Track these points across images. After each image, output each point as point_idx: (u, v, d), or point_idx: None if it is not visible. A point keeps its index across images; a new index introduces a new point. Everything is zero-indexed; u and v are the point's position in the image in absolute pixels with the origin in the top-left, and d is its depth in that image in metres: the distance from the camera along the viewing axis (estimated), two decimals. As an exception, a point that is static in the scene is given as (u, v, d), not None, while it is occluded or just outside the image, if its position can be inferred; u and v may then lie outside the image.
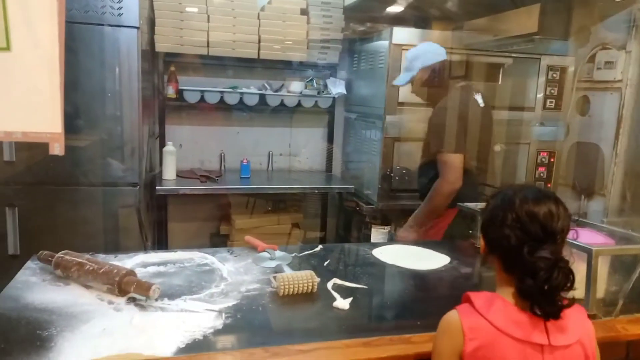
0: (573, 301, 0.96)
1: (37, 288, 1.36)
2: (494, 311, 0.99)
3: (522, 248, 0.95)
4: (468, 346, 0.97)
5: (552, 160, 3.25)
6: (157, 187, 2.93)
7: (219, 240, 3.41)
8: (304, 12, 3.24)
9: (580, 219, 1.76)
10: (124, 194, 2.69)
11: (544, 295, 0.93)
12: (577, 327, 1.02)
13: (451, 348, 1.00)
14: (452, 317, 1.03)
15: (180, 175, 3.20)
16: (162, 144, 3.22)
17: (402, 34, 2.88)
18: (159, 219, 3.20)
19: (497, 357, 0.97)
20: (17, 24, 0.87)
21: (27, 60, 0.88)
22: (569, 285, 0.94)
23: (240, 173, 3.35)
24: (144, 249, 2.68)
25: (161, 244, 3.27)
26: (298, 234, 3.47)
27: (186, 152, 3.43)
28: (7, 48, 0.87)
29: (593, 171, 3.14)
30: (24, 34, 0.87)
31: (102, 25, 2.49)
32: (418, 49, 2.47)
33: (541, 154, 3.23)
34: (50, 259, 1.44)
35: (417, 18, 3.17)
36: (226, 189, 3.21)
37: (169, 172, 3.12)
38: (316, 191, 3.40)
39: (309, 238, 3.51)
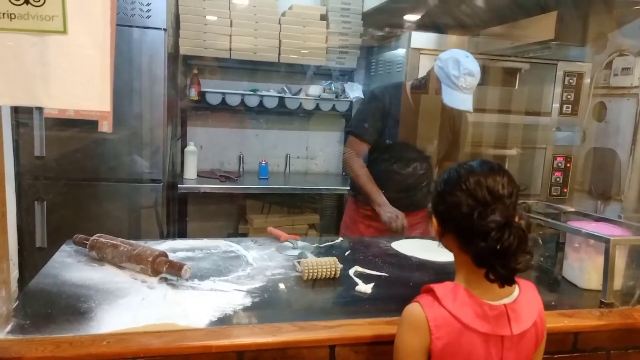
0: (527, 265, 0.92)
1: (73, 268, 1.43)
2: (459, 304, 0.97)
3: (473, 215, 0.93)
4: (436, 345, 0.96)
5: (568, 165, 3.27)
6: (179, 186, 3.01)
7: (236, 240, 3.47)
8: (324, 17, 3.33)
9: (594, 215, 1.79)
10: (148, 190, 2.77)
11: (497, 257, 0.90)
12: (531, 310, 1.02)
13: (419, 345, 0.98)
14: (417, 311, 0.99)
15: (201, 175, 3.28)
16: (184, 145, 3.31)
17: (420, 39, 2.94)
18: (179, 217, 3.27)
19: (463, 353, 0.97)
20: (73, 9, 0.95)
21: (81, 43, 0.95)
22: (523, 247, 0.91)
23: (258, 174, 3.42)
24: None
25: (173, 238, 3.35)
26: (314, 235, 3.53)
27: (206, 153, 3.52)
28: (64, 31, 0.94)
29: (609, 176, 3.16)
30: (80, 18, 0.95)
31: (131, 26, 2.59)
32: (476, 62, 2.08)
33: (557, 158, 3.26)
34: (85, 241, 1.51)
35: (435, 24, 3.22)
36: (245, 189, 3.29)
37: (190, 172, 3.20)
38: (333, 192, 3.46)
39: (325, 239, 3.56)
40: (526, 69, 3.10)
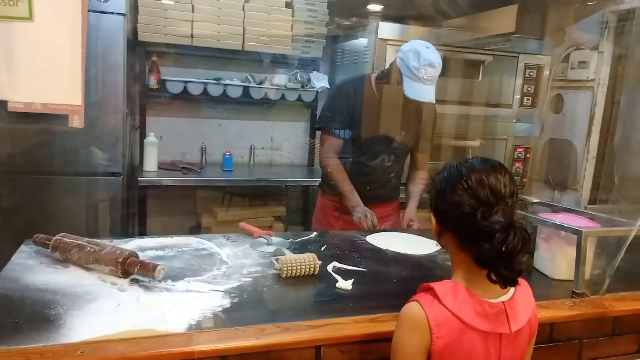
0: (529, 265, 0.92)
1: (35, 270, 1.33)
2: (459, 303, 0.96)
3: (475, 215, 0.91)
4: (436, 344, 0.94)
5: (527, 156, 3.37)
6: (139, 179, 2.89)
7: (199, 233, 3.38)
8: (289, 5, 3.26)
9: (559, 205, 1.84)
10: (106, 184, 2.65)
11: (502, 258, 0.89)
12: (526, 307, 1.03)
13: (419, 345, 0.96)
14: (416, 310, 0.97)
15: (162, 167, 3.16)
16: (143, 136, 3.18)
17: (387, 29, 2.93)
18: (139, 211, 3.14)
19: (464, 352, 0.96)
20: (39, -6, 0.86)
21: (50, 32, 0.87)
22: (525, 247, 0.90)
23: (222, 165, 3.34)
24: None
25: (141, 236, 3.22)
26: (280, 227, 3.48)
27: (167, 144, 3.39)
28: (30, 18, 0.86)
29: (566, 167, 3.27)
30: (47, 4, 0.87)
31: (88, 11, 2.43)
32: (437, 53, 2.08)
33: (517, 149, 3.34)
34: (47, 242, 1.42)
35: (399, 15, 3.22)
36: (208, 181, 3.20)
37: (151, 164, 3.08)
38: (298, 184, 3.43)
39: (291, 231, 3.52)
40: (489, 61, 3.15)
